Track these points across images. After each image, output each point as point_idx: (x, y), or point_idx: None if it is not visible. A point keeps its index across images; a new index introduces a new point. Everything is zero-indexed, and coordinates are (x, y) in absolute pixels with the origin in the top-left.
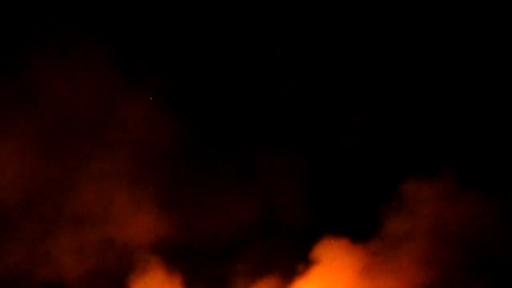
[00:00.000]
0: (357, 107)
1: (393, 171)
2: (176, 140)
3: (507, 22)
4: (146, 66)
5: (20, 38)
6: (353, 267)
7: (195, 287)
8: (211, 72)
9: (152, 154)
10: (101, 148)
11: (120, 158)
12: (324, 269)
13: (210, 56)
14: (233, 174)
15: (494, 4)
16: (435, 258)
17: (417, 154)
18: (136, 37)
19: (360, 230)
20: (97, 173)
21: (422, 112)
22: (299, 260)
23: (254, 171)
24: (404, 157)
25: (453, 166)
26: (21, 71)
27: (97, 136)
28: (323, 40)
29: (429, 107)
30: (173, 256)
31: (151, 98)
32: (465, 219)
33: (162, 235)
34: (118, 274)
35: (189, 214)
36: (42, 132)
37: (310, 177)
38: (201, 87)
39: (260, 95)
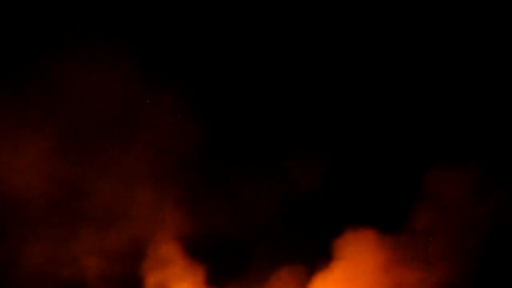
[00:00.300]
0: (386, 98)
1: (420, 163)
2: (197, 136)
3: None
4: (170, 69)
5: (45, 42)
6: (377, 261)
7: (216, 279)
8: (234, 73)
9: (174, 151)
10: (123, 149)
11: (141, 158)
12: (347, 262)
13: (234, 59)
14: (255, 168)
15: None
16: (463, 252)
17: (446, 146)
18: (160, 39)
19: (385, 223)
20: (119, 173)
21: (452, 104)
22: (322, 252)
23: (278, 164)
24: (432, 149)
25: (483, 159)
26: (44, 73)
27: (119, 137)
28: (340, 39)
29: (459, 99)
30: (194, 249)
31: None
32: (494, 213)
33: (184, 229)
34: (140, 273)
35: (211, 209)
36: (64, 134)
37: (334, 170)
38: (222, 87)
39: (279, 90)
